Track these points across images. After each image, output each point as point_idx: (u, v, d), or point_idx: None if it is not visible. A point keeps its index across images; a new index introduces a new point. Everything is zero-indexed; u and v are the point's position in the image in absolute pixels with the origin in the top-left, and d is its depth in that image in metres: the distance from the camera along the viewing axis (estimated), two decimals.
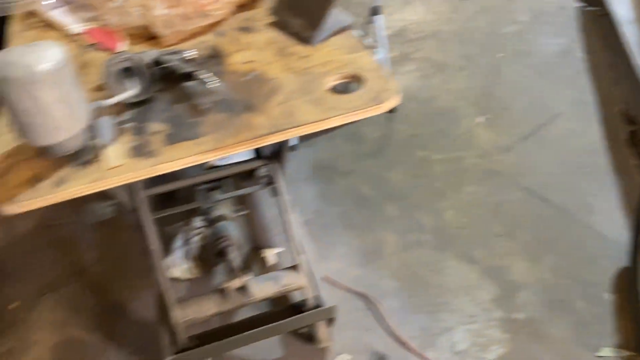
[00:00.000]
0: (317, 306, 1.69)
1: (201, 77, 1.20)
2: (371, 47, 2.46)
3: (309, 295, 1.69)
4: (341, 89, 1.21)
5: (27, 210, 1.05)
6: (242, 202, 2.28)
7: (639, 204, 1.98)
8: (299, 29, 1.37)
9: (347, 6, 2.30)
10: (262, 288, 1.67)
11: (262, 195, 2.33)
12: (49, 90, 0.96)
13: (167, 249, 2.07)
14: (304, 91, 1.22)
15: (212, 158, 1.14)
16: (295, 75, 1.27)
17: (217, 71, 1.27)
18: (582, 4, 3.16)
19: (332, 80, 1.25)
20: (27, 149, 1.09)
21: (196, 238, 2.14)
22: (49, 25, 1.48)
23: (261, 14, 1.48)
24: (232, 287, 1.62)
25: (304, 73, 1.27)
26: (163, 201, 2.26)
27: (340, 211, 2.24)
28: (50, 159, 1.07)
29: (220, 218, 1.90)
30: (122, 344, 1.87)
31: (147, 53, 1.23)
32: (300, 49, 1.35)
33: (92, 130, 1.08)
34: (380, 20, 2.48)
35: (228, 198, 1.99)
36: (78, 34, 1.43)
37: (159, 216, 1.79)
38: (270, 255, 2.10)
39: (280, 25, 1.43)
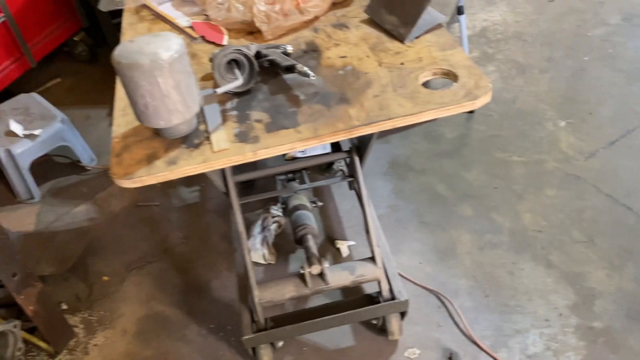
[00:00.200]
0: (391, 298, 1.72)
1: (299, 70, 1.26)
2: None
3: (383, 287, 1.73)
4: (435, 85, 1.24)
5: (140, 186, 1.15)
6: (319, 193, 2.35)
7: None
8: (393, 26, 1.42)
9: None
10: (338, 276, 1.72)
11: (338, 189, 2.39)
12: (169, 76, 1.05)
13: (246, 233, 2.17)
14: (397, 85, 1.26)
15: (308, 146, 1.20)
16: (388, 70, 1.32)
17: (314, 65, 1.33)
18: None
19: (426, 76, 1.28)
20: (143, 130, 1.20)
21: (274, 226, 2.23)
22: (159, 18, 1.60)
23: (355, 11, 1.54)
24: (310, 273, 1.69)
25: (397, 68, 1.31)
26: (245, 189, 2.37)
27: (415, 208, 2.26)
28: (164, 141, 1.17)
29: (299, 207, 1.97)
30: (203, 321, 1.98)
31: (250, 47, 1.31)
32: (393, 45, 1.39)
33: (201, 116, 1.17)
34: (463, 19, 2.48)
35: (306, 189, 2.05)
36: (185, 27, 1.54)
37: (242, 202, 1.89)
38: (344, 246, 2.16)
39: (374, 22, 1.47)
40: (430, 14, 1.39)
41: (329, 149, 2.03)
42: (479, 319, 1.87)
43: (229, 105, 1.27)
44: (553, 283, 1.94)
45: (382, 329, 1.85)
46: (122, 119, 1.26)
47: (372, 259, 1.73)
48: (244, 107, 1.27)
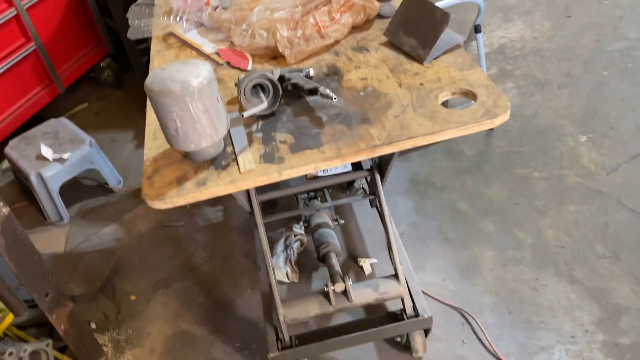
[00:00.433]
0: (415, 316, 1.73)
1: (321, 92, 1.31)
2: None
3: (407, 304, 1.74)
4: (453, 104, 1.27)
5: (172, 207, 1.20)
6: (340, 212, 2.38)
7: None
8: (411, 48, 1.45)
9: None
10: (361, 294, 1.73)
11: (358, 207, 2.41)
12: (199, 102, 1.10)
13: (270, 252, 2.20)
14: (417, 105, 1.30)
15: (332, 165, 1.24)
16: (408, 90, 1.35)
17: (335, 87, 1.37)
18: None
19: (445, 96, 1.31)
20: (173, 154, 1.25)
21: (296, 244, 2.26)
22: (185, 46, 1.66)
23: (374, 34, 1.58)
24: (334, 291, 1.71)
25: (417, 88, 1.35)
26: (267, 208, 2.42)
27: (436, 225, 2.27)
28: (193, 163, 1.21)
29: (321, 225, 2.00)
30: (228, 339, 2.01)
31: (273, 71, 1.36)
32: (412, 66, 1.43)
33: (228, 138, 1.22)
34: (480, 37, 2.51)
35: (328, 207, 2.09)
36: (211, 54, 1.60)
37: (266, 221, 1.92)
38: (366, 265, 2.18)
39: (393, 44, 1.51)
40: (448, 35, 1.43)
41: (349, 168, 2.06)
42: (504, 335, 1.87)
43: (254, 127, 1.32)
44: (577, 299, 1.93)
45: (406, 347, 1.86)
46: (153, 143, 1.31)
47: (395, 276, 1.75)
48: (269, 129, 1.31)
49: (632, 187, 2.27)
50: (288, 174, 1.23)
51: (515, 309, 1.94)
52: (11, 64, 2.80)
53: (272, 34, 1.50)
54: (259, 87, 1.33)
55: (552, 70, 2.93)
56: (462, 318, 1.94)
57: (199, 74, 1.10)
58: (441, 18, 1.37)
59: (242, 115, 1.28)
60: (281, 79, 1.36)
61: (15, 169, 2.61)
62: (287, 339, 1.70)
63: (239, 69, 1.54)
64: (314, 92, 1.31)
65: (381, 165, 1.93)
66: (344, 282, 1.70)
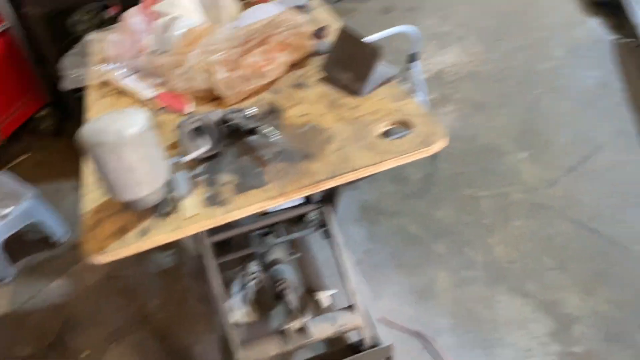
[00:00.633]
0: (374, 345, 1.73)
1: (262, 131, 1.31)
2: (410, 92, 2.56)
3: (365, 334, 1.74)
4: (391, 134, 1.30)
5: (115, 259, 1.16)
6: (295, 245, 2.37)
7: None
8: (348, 83, 1.49)
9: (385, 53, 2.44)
10: (320, 329, 1.72)
11: (313, 239, 2.41)
12: (134, 151, 1.09)
13: (225, 294, 2.16)
14: (356, 138, 1.32)
15: (277, 204, 1.24)
16: (347, 124, 1.38)
17: (276, 125, 1.39)
18: (616, 37, 3.21)
19: (382, 127, 1.34)
20: (114, 204, 1.22)
21: (252, 283, 2.23)
22: (122, 92, 1.65)
23: (312, 71, 1.61)
24: (292, 329, 1.69)
25: (355, 122, 1.38)
26: (220, 248, 2.38)
27: (390, 251, 2.29)
28: (134, 212, 1.19)
29: (276, 262, 1.99)
30: None
31: (214, 113, 1.36)
32: (350, 100, 1.46)
33: (170, 184, 1.20)
34: (418, 65, 2.59)
35: (282, 242, 2.08)
36: (149, 99, 1.59)
37: (219, 262, 1.89)
38: (324, 297, 2.17)
39: (330, 80, 1.55)
40: (382, 68, 1.47)
41: (300, 201, 2.06)
42: (464, 356, 1.89)
43: (197, 170, 1.31)
44: (531, 312, 1.98)
45: None
46: (91, 195, 1.28)
47: (352, 307, 1.75)
48: (212, 171, 1.31)
49: (572, 199, 2.37)
50: (233, 215, 1.22)
51: (472, 328, 1.96)
52: None
53: (210, 75, 1.51)
54: (200, 130, 1.33)
55: (489, 92, 3.05)
56: (422, 342, 1.95)
57: (134, 122, 1.09)
58: (373, 53, 1.41)
59: (184, 159, 1.27)
60: (222, 120, 1.36)
61: None
62: None
63: (179, 112, 1.53)
64: (254, 131, 1.32)
65: (331, 196, 1.94)
66: (302, 318, 1.69)
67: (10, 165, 3.21)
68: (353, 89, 1.47)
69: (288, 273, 1.92)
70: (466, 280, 2.12)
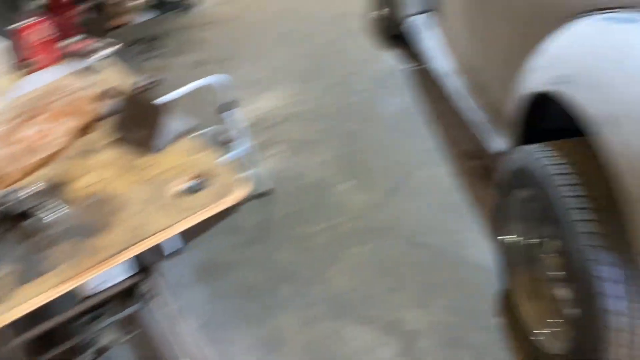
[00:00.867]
0: None
1: (45, 209, 1.17)
2: (231, 141, 2.54)
3: None
4: (190, 190, 1.24)
5: None
6: (132, 322, 2.17)
7: (492, 227, 2.16)
8: (140, 141, 1.41)
9: (201, 106, 2.41)
10: None
11: (152, 310, 2.23)
12: None
13: None
14: (153, 199, 1.24)
15: (70, 287, 1.11)
16: (142, 185, 1.29)
17: (60, 200, 1.25)
18: (409, 65, 3.53)
19: (180, 183, 1.28)
20: None
21: None
22: None
23: (100, 134, 1.50)
24: None
25: (150, 182, 1.30)
26: (42, 344, 2.09)
27: (235, 306, 2.21)
28: None
29: (108, 347, 1.80)
30: None
31: None
32: (144, 159, 1.38)
33: None
34: (235, 114, 2.59)
35: (112, 323, 1.88)
36: None
37: None
38: None
39: (122, 141, 1.45)
40: (176, 123, 1.42)
41: (125, 275, 1.90)
42: None
43: None
44: (377, 337, 2.01)
45: None
46: None
47: None
48: None
49: (399, 219, 2.49)
50: (18, 311, 1.06)
51: None
52: None
53: None
54: None
55: (310, 130, 3.15)
56: None
57: None
58: (160, 109, 1.36)
59: None
60: None
61: None
62: None
63: None
64: (32, 212, 1.17)
65: (154, 264, 1.81)
66: None
67: None
68: (146, 147, 1.39)
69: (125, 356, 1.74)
70: (312, 319, 2.10)
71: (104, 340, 1.82)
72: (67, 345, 1.81)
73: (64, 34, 1.90)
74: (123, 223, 1.18)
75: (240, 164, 2.60)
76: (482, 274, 2.17)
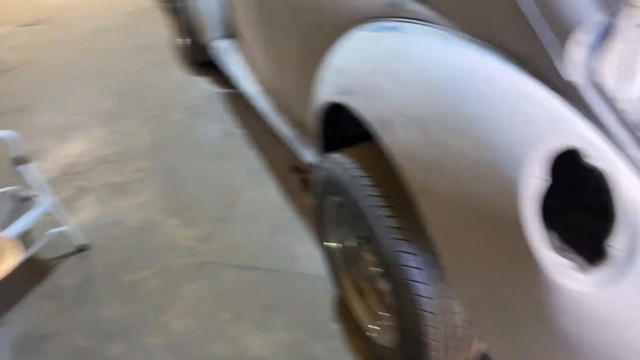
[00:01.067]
0: None
1: None
2: (32, 197, 2.29)
3: None
4: None
5: None
6: None
7: (316, 235, 2.22)
8: None
9: None
10: None
11: None
12: None
13: None
14: None
15: None
16: None
17: None
18: (222, 89, 3.54)
19: None
20: None
21: None
22: None
23: None
24: None
25: None
26: None
27: None
28: None
29: None
30: None
31: None
32: None
33: None
34: (30, 168, 2.34)
35: None
36: None
37: None
38: None
39: None
40: None
41: None
42: None
43: None
44: None
45: None
46: None
47: None
48: None
49: (230, 247, 2.45)
50: None
51: None
52: None
53: None
54: None
55: (125, 172, 2.98)
56: None
57: None
58: None
59: None
60: None
61: None
62: None
63: None
64: None
65: None
66: None
67: None
68: None
69: None
70: None
71: None
72: None
73: None
74: None
75: (49, 220, 2.37)
76: (318, 284, 2.22)
